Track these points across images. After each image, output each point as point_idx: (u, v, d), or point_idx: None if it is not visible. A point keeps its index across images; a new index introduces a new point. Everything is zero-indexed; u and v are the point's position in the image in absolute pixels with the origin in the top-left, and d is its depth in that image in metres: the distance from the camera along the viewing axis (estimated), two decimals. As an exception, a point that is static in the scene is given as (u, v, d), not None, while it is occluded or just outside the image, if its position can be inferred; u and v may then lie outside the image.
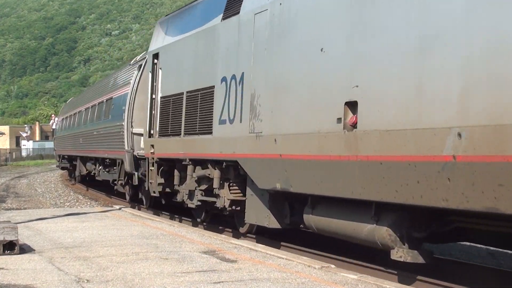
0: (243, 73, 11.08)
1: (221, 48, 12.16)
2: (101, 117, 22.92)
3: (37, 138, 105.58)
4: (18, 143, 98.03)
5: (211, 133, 12.16)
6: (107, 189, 25.84)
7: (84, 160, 27.60)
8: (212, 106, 12.15)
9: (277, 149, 9.86)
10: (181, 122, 13.70)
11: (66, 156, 34.01)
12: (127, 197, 20.28)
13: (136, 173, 17.42)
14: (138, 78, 18.33)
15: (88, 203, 22.92)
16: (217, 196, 12.57)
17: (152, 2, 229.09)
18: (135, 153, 17.67)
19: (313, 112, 9.02)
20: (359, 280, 7.82)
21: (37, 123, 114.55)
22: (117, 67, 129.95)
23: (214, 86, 12.16)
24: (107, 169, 22.28)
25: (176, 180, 14.40)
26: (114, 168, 20.62)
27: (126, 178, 19.30)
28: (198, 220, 14.74)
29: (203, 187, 13.18)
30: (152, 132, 15.53)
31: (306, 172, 9.26)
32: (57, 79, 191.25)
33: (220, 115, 11.85)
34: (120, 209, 17.70)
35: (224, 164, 12.02)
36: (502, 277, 9.43)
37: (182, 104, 13.69)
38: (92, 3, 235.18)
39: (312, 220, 9.85)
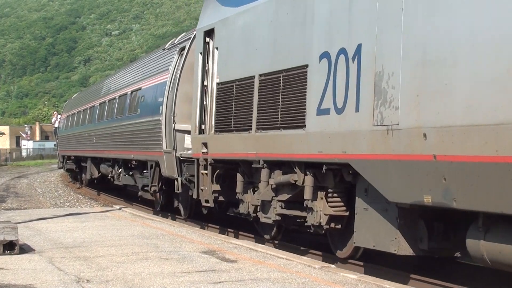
0: (359, 45, 8.28)
1: (319, 14, 9.24)
2: (124, 113, 19.90)
3: (37, 138, 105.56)
4: (18, 143, 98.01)
5: (302, 127, 9.24)
6: (121, 193, 24.83)
7: (97, 161, 24.74)
8: (305, 92, 9.23)
9: (429, 147, 7.07)
10: (250, 114, 10.77)
11: (72, 157, 31.18)
12: (157, 206, 17.92)
13: (179, 178, 14.43)
14: (180, 63, 15.24)
15: (88, 203, 22.91)
16: (308, 209, 9.63)
17: (152, 2, 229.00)
18: (178, 153, 14.58)
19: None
20: (359, 280, 7.82)
21: (37, 123, 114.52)
22: (117, 67, 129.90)
23: (307, 66, 9.26)
24: (130, 172, 19.47)
25: (239, 187, 11.51)
26: (144, 171, 17.62)
27: (160, 183, 16.53)
28: (267, 236, 11.84)
29: (284, 197, 10.22)
30: (204, 127, 12.66)
31: (486, 181, 6.41)
32: (57, 79, 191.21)
33: (319, 103, 8.95)
34: (120, 209, 17.71)
35: (324, 168, 9.16)
36: (502, 277, 9.42)
37: (252, 90, 10.74)
38: (92, 3, 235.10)
39: (487, 248, 6.92)
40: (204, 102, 12.72)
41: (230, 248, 10.36)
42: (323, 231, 9.75)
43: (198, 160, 12.71)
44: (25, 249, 9.90)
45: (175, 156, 14.62)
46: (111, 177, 22.04)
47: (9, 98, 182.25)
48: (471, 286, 8.82)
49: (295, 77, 9.55)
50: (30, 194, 27.10)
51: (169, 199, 16.86)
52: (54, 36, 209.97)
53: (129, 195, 24.31)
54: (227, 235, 13.95)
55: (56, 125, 40.07)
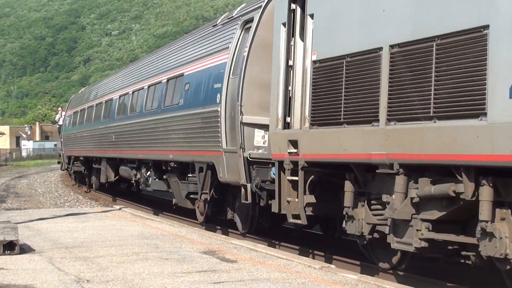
0: None
1: None
2: (159, 105, 16.50)
3: (37, 138, 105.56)
4: (18, 143, 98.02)
5: (479, 115, 6.55)
6: (143, 200, 23.35)
7: (114, 162, 21.79)
8: (483, 64, 6.55)
9: None
10: (376, 100, 8.04)
11: (81, 158, 27.83)
12: (200, 217, 14.64)
13: (248, 184, 11.36)
14: (246, 40, 12.16)
15: (88, 203, 22.90)
16: (483, 234, 6.88)
17: (152, 2, 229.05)
18: (246, 153, 11.52)
19: None
20: (359, 280, 7.82)
21: (37, 123, 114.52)
22: (117, 67, 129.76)
23: (487, 27, 6.54)
24: (164, 176, 16.36)
25: (348, 200, 8.78)
26: (190, 175, 14.47)
27: (212, 190, 13.35)
28: (384, 265, 9.09)
29: (432, 214, 7.48)
30: (290, 120, 9.92)
31: None
32: (57, 79, 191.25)
33: None
34: (120, 209, 17.70)
35: None
36: (502, 277, 9.42)
37: (378, 67, 8.07)
38: (92, 3, 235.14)
39: None
40: (290, 88, 9.94)
41: (230, 248, 10.36)
42: None
43: (281, 162, 9.92)
44: (25, 249, 9.90)
45: (243, 156, 11.48)
46: (135, 181, 19.38)
47: (9, 98, 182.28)
48: (471, 286, 8.83)
49: (463, 45, 6.85)
50: (30, 194, 27.09)
51: (218, 210, 14.03)
52: (54, 36, 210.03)
53: (153, 202, 22.82)
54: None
55: (61, 122, 35.32)
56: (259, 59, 11.69)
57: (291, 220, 9.98)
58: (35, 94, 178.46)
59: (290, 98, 9.92)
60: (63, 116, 35.16)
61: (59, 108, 37.98)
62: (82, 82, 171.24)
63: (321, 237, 13.79)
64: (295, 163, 9.53)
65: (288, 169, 9.72)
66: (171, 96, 15.70)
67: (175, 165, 15.43)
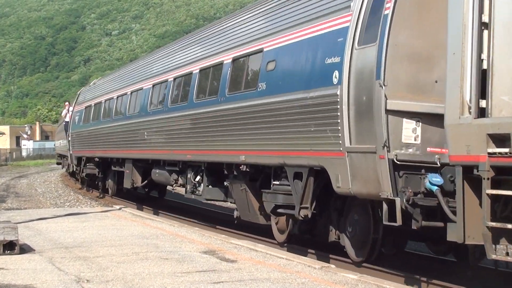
0: None
1: None
2: (222, 92, 12.70)
3: (37, 138, 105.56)
4: (18, 143, 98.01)
5: None
6: (178, 210, 19.87)
7: (142, 164, 18.68)
8: None
9: None
10: None
11: (97, 159, 23.87)
12: (279, 236, 11.68)
13: (397, 199, 8.13)
14: None
15: (88, 203, 22.89)
16: None
17: (152, 2, 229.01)
18: (392, 154, 8.31)
19: None
20: (359, 280, 7.82)
21: (37, 123, 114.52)
22: (117, 67, 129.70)
23: None
24: (226, 183, 13.03)
25: None
26: (277, 184, 10.99)
27: (313, 204, 10.09)
28: None
29: None
30: (486, 104, 6.94)
31: None
32: (57, 79, 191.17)
33: None
34: (120, 209, 17.70)
35: None
36: (502, 277, 9.43)
37: None
38: (92, 3, 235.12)
39: None
40: (483, 57, 7.00)
41: (230, 248, 10.36)
42: None
43: (467, 168, 7.08)
44: (25, 249, 9.90)
45: (387, 158, 8.29)
46: (175, 187, 16.26)
47: (9, 98, 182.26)
48: (471, 286, 8.82)
49: None
50: (30, 194, 27.08)
51: (309, 227, 11.17)
52: (54, 36, 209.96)
53: (190, 213, 19.27)
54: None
55: (68, 119, 30.39)
56: (409, 19, 8.51)
57: (495, 256, 6.78)
58: (35, 94, 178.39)
59: (484, 71, 6.96)
60: (70, 112, 30.13)
61: (66, 103, 31.87)
62: (82, 82, 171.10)
63: (321, 237, 13.78)
64: (501, 169, 6.68)
65: (488, 178, 6.70)
66: (243, 79, 12.06)
67: (246, 169, 11.95)
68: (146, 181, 18.88)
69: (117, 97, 21.15)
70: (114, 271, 8.21)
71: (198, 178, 14.14)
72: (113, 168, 22.11)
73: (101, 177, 24.64)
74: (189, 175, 14.60)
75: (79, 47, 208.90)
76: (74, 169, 28.91)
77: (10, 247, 9.53)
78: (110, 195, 23.63)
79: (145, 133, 17.30)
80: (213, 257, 9.33)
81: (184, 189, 15.43)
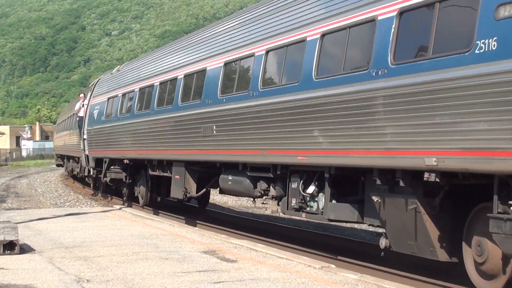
0: None
1: None
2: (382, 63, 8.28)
3: (37, 138, 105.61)
4: (18, 143, 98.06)
5: None
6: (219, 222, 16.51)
7: (196, 168, 14.80)
8: None
9: None
10: None
11: (127, 161, 19.77)
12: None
13: None
14: None
15: (88, 203, 22.89)
16: None
17: (152, 2, 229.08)
18: None
19: None
20: (359, 280, 7.82)
21: (37, 123, 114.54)
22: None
23: None
24: (377, 198, 8.81)
25: None
26: None
27: None
28: None
29: None
30: None
31: None
32: (57, 79, 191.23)
33: None
34: (120, 209, 17.70)
35: None
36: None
37: None
38: (92, 3, 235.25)
39: None
40: None
41: (230, 248, 10.36)
42: None
43: None
44: (25, 249, 9.90)
45: None
46: (266, 200, 11.81)
47: (9, 98, 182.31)
48: (471, 286, 8.82)
49: None
50: (30, 194, 27.08)
51: None
52: (54, 36, 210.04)
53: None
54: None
55: (82, 114, 24.95)
56: None
57: None
58: (35, 94, 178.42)
59: None
60: (85, 106, 24.70)
61: (81, 95, 26.27)
62: (82, 82, 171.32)
63: (321, 237, 13.78)
64: None
65: None
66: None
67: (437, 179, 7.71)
68: (204, 190, 14.96)
69: (161, 83, 16.39)
70: (114, 271, 8.21)
71: (311, 189, 10.24)
72: (150, 172, 17.54)
73: (129, 183, 20.08)
74: (293, 185, 10.64)
75: (79, 47, 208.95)
76: (90, 173, 23.54)
77: (10, 247, 9.53)
78: (142, 205, 19.06)
79: (214, 127, 12.91)
80: (213, 257, 9.33)
81: (273, 202, 11.56)
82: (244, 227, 15.04)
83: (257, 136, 11.25)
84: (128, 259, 9.09)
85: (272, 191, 11.43)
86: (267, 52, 11.31)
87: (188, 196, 15.10)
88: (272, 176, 11.25)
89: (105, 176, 21.41)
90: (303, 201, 10.38)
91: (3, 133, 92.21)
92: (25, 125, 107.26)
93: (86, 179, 26.71)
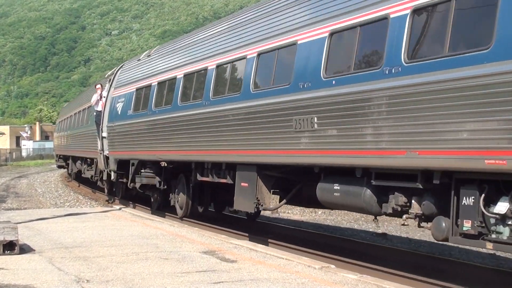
0: None
1: None
2: None
3: (37, 138, 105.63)
4: (18, 143, 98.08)
5: None
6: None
7: (272, 174, 11.66)
8: None
9: None
10: None
11: (164, 164, 16.35)
12: None
13: None
14: None
15: (88, 203, 22.90)
16: None
17: (152, 2, 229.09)
18: None
19: None
20: (359, 280, 7.82)
21: (37, 123, 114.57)
22: (117, 67, 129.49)
23: None
24: None
25: None
26: None
27: None
28: None
29: None
30: None
31: None
32: (57, 79, 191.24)
33: None
34: (120, 209, 17.69)
35: None
36: (502, 277, 9.43)
37: None
38: (92, 3, 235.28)
39: None
40: None
41: (230, 248, 10.35)
42: None
43: None
44: (25, 249, 9.89)
45: None
46: (406, 218, 8.56)
47: (9, 98, 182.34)
48: (471, 286, 8.83)
49: None
50: (30, 194, 27.09)
51: None
52: (54, 36, 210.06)
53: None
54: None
55: (100, 108, 21.11)
56: None
57: None
58: (35, 94, 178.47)
59: None
60: (104, 99, 21.12)
61: (98, 86, 22.14)
62: (82, 82, 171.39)
63: (321, 237, 13.80)
64: None
65: None
66: None
67: None
68: (284, 202, 11.88)
69: (219, 66, 13.04)
70: (114, 271, 8.21)
71: (503, 206, 7.07)
72: (198, 177, 14.32)
73: (163, 189, 16.97)
74: (467, 200, 7.43)
75: (79, 47, 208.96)
76: (111, 177, 20.12)
77: (10, 247, 9.52)
78: (180, 217, 15.98)
79: (315, 119, 9.58)
80: (213, 257, 9.33)
81: (414, 221, 8.57)
82: (245, 227, 15.04)
83: (403, 131, 7.95)
84: (128, 259, 9.09)
85: (416, 208, 8.29)
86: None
87: (262, 209, 11.97)
88: (421, 186, 8.03)
89: (132, 181, 17.98)
90: (483, 225, 7.24)
91: (3, 133, 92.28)
92: (25, 125, 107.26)
93: (99, 183, 23.67)
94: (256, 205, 11.48)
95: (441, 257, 11.54)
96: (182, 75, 14.75)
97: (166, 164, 16.19)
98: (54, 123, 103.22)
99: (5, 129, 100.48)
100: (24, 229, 12.30)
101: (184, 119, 14.15)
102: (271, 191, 11.54)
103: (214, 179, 13.57)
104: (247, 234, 13.92)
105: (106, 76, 24.32)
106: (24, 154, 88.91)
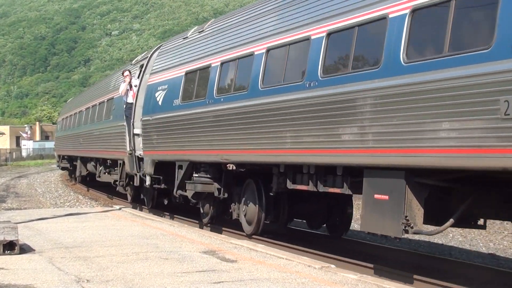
0: None
1: None
2: None
3: (37, 138, 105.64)
4: (18, 143, 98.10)
5: None
6: None
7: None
8: None
9: None
10: None
11: (232, 167, 13.10)
12: None
13: None
14: None
15: (88, 203, 22.90)
16: None
17: (152, 2, 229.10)
18: None
19: None
20: (359, 280, 7.82)
21: (37, 123, 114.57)
22: (117, 67, 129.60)
23: None
24: None
25: None
26: None
27: None
28: None
29: None
30: None
31: None
32: (57, 79, 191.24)
33: None
34: (120, 209, 17.68)
35: None
36: (502, 277, 9.43)
37: None
38: (92, 3, 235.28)
39: None
40: None
41: (230, 248, 10.35)
42: None
43: None
44: (25, 249, 9.89)
45: None
46: None
47: (9, 98, 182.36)
48: (471, 286, 8.83)
49: None
50: (30, 194, 27.10)
51: None
52: (54, 36, 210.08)
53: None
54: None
55: (130, 99, 17.77)
56: None
57: None
58: (35, 94, 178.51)
59: None
60: (135, 88, 17.69)
61: (127, 74, 17.97)
62: (82, 82, 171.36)
63: (321, 237, 13.79)
64: None
65: None
66: None
67: None
68: (452, 221, 8.36)
69: (331, 34, 9.59)
70: (114, 271, 8.21)
71: None
72: (290, 185, 10.91)
73: (223, 198, 13.46)
74: None
75: (79, 47, 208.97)
76: (146, 183, 16.52)
77: (10, 247, 9.52)
78: (249, 234, 12.69)
79: None
80: (213, 257, 9.33)
81: None
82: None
83: None
84: (128, 259, 9.09)
85: None
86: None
87: (412, 232, 8.28)
88: None
89: (180, 188, 14.54)
90: None
91: (3, 133, 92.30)
92: (25, 125, 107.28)
93: (120, 188, 20.19)
94: (405, 226, 8.16)
95: (441, 257, 11.54)
96: (265, 50, 11.20)
97: (234, 167, 12.67)
98: (54, 123, 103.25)
99: (5, 129, 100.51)
100: (24, 229, 12.30)
101: (269, 107, 10.74)
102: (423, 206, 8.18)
103: (319, 187, 10.10)
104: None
105: (133, 62, 20.72)
106: (24, 154, 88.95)
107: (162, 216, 16.67)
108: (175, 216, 16.82)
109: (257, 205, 12.30)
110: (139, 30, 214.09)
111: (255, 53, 11.45)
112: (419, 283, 8.97)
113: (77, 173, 29.66)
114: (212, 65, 13.13)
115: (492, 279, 9.34)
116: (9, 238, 9.55)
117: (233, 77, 12.39)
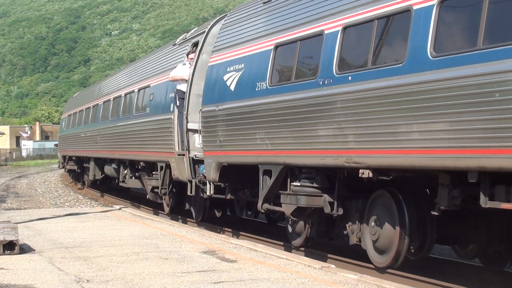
0: None
1: None
2: None
3: (37, 138, 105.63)
4: (18, 143, 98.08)
5: None
6: None
7: None
8: None
9: None
10: None
11: (369, 173, 8.47)
12: None
13: None
14: None
15: (88, 203, 22.89)
16: None
17: (152, 2, 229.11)
18: None
19: None
20: (359, 280, 7.82)
21: (37, 123, 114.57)
22: (117, 67, 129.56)
23: None
24: None
25: None
26: None
27: None
28: None
29: None
30: None
31: None
32: (57, 79, 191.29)
33: None
34: (120, 209, 17.68)
35: None
36: (502, 277, 9.42)
37: None
38: (92, 3, 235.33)
39: None
40: None
41: (230, 248, 10.35)
42: None
43: None
44: (25, 249, 9.89)
45: None
46: None
47: (9, 98, 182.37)
48: (471, 286, 8.83)
49: None
50: (30, 194, 27.09)
51: None
52: (54, 36, 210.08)
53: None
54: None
55: (183, 87, 14.12)
56: None
57: None
58: (35, 94, 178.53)
59: None
60: (190, 69, 14.05)
61: (191, 55, 14.25)
62: (82, 82, 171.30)
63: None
64: None
65: None
66: None
67: None
68: None
69: None
70: (114, 271, 8.21)
71: None
72: (485, 203, 7.04)
73: (335, 216, 9.93)
74: None
75: (79, 47, 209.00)
76: (206, 192, 13.00)
77: (10, 247, 9.53)
78: (383, 266, 9.11)
79: None
80: (213, 257, 9.33)
81: None
82: (245, 227, 15.00)
83: None
84: (128, 259, 9.09)
85: None
86: None
87: None
88: None
89: (266, 200, 10.83)
90: None
91: (3, 133, 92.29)
92: (25, 125, 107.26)
93: (151, 195, 16.88)
94: None
95: (441, 257, 11.53)
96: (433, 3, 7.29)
97: (370, 174, 8.54)
98: (54, 123, 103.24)
99: (5, 129, 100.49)
100: (24, 229, 12.30)
101: (441, 86, 7.02)
102: None
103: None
104: (248, 234, 13.75)
105: (177, 41, 16.53)
106: (24, 154, 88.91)
107: (220, 233, 13.55)
108: (255, 237, 13.18)
109: (397, 228, 8.67)
110: (139, 30, 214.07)
111: (414, 8, 7.60)
112: (419, 283, 8.96)
113: (90, 177, 25.36)
114: (326, 31, 9.31)
115: (492, 279, 9.34)
116: (9, 238, 9.55)
117: (369, 45, 8.41)
